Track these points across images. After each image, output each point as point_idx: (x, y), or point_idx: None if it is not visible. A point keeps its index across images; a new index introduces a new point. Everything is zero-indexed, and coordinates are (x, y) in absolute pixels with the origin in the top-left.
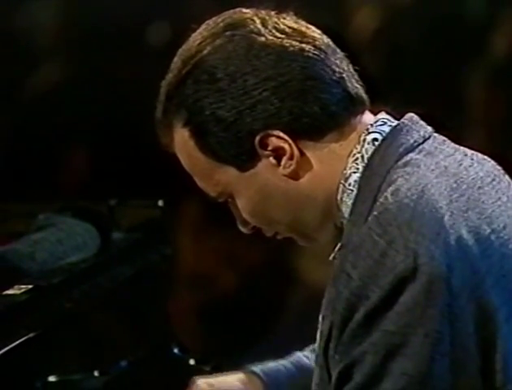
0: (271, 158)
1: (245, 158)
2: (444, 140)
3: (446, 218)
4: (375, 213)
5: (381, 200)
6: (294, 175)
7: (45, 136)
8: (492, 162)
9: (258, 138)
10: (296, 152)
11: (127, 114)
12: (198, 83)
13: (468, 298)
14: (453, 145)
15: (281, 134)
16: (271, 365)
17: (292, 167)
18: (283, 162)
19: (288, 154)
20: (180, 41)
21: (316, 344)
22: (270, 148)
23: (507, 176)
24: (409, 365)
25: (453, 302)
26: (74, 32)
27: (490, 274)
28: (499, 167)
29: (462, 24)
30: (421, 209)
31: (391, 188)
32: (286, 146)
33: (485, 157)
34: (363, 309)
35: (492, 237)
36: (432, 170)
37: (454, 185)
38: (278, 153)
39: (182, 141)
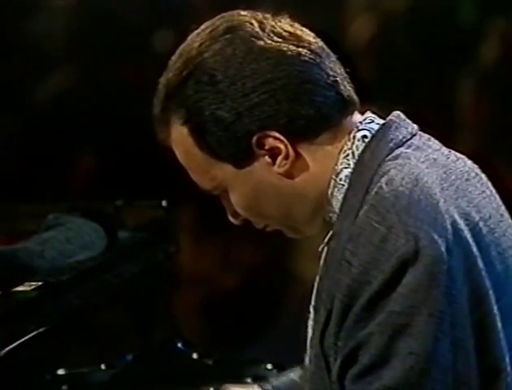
0: (267, 157)
1: (242, 157)
2: (429, 138)
3: (441, 203)
4: (371, 202)
5: (375, 190)
6: (288, 174)
7: (54, 139)
8: (470, 161)
9: (255, 138)
10: (291, 152)
11: (133, 117)
12: (199, 84)
13: (463, 280)
14: (437, 142)
15: (277, 135)
16: (286, 379)
17: (286, 166)
18: (278, 161)
19: (283, 154)
20: None
21: (308, 337)
22: (266, 147)
23: (484, 174)
24: (415, 344)
25: (452, 284)
26: (83, 38)
27: (480, 258)
28: (476, 166)
29: (453, 31)
30: (417, 196)
31: (384, 179)
32: (282, 146)
33: (463, 156)
34: (367, 294)
35: (481, 224)
36: (422, 161)
37: (444, 175)
38: (274, 153)
39: (180, 138)
